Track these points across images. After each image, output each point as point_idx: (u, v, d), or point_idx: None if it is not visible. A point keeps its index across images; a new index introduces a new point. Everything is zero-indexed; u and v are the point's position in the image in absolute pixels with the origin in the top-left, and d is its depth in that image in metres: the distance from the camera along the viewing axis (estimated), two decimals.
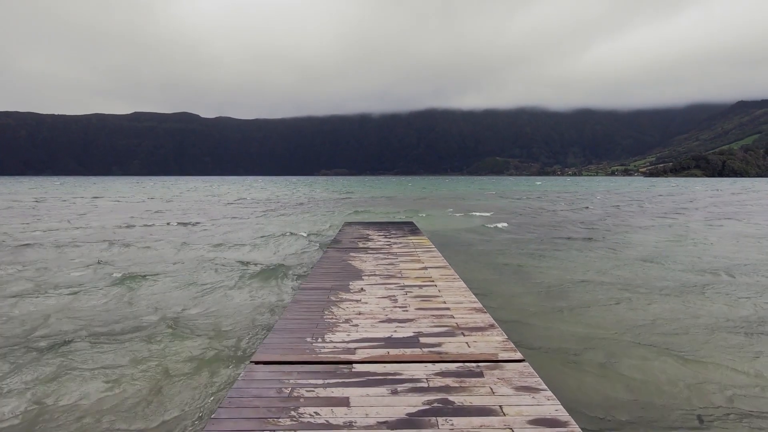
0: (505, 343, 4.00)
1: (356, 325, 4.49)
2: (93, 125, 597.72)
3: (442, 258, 8.28)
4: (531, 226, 19.69)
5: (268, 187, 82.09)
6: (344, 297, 5.58)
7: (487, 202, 39.39)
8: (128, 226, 19.01)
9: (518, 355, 3.72)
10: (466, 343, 4.00)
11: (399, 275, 6.81)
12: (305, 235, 16.13)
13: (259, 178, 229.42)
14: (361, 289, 5.98)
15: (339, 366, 3.53)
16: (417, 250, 9.17)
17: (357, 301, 5.40)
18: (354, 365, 3.54)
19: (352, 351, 3.82)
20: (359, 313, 4.89)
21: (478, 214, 25.73)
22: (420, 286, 6.09)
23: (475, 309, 5.04)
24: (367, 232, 12.33)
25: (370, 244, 10.04)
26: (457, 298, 5.52)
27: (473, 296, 5.62)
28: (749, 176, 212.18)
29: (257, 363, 3.61)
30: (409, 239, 10.76)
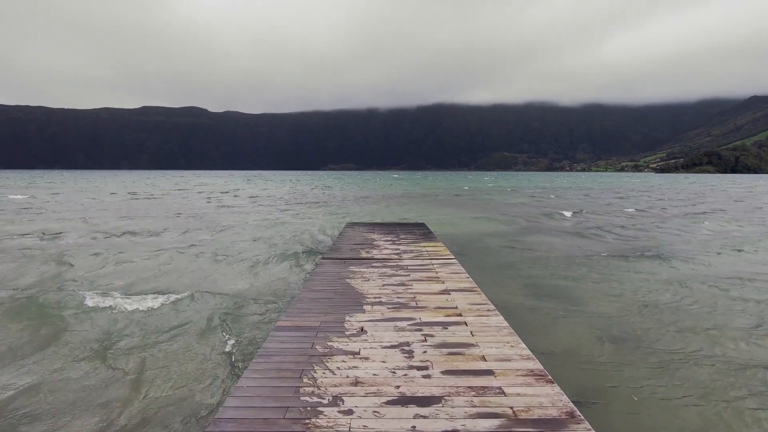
0: None
1: (350, 412, 2.76)
2: (102, 119, 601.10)
3: (466, 274, 6.52)
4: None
5: (274, 183, 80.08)
6: (336, 346, 3.84)
7: (552, 200, 32.05)
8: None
9: None
10: None
11: (413, 303, 5.07)
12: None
13: (270, 173, 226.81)
14: (361, 329, 4.24)
15: None
16: (433, 262, 7.41)
17: (354, 354, 3.66)
18: None
19: None
20: (356, 382, 3.16)
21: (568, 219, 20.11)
22: (444, 325, 4.33)
23: (533, 374, 3.28)
24: (372, 235, 10.60)
25: (375, 252, 8.30)
26: (501, 348, 3.76)
27: (522, 344, 3.85)
28: (763, 173, 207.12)
29: None
30: (421, 246, 9.01)
